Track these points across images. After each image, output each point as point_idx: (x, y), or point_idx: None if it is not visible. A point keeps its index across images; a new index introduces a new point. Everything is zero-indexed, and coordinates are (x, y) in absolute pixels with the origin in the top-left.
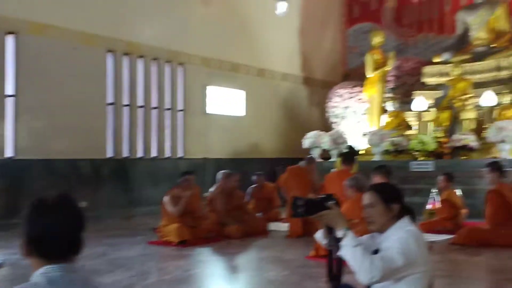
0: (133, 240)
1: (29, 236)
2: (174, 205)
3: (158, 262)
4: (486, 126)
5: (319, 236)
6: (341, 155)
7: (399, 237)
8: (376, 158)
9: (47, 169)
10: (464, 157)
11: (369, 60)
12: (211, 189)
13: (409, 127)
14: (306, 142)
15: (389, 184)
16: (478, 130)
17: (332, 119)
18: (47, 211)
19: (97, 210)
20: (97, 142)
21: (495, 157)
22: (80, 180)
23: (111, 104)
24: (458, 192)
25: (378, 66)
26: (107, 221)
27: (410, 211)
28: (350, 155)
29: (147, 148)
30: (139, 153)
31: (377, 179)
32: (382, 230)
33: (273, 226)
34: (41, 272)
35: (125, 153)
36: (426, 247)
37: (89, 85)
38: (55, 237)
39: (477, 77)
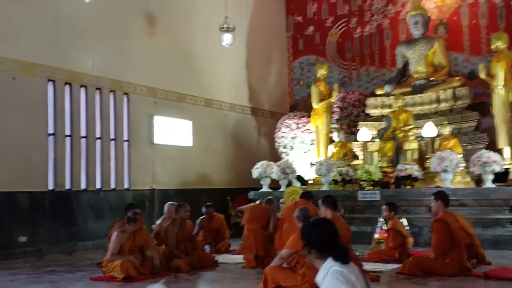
0: (74, 276)
1: None
2: (117, 245)
3: None
4: (428, 156)
5: None
6: (302, 194)
7: (330, 284)
8: (324, 187)
9: None
10: (409, 187)
11: (315, 91)
12: (158, 221)
13: (355, 157)
14: (255, 172)
15: (310, 224)
16: (421, 160)
17: (281, 149)
18: None
19: (37, 244)
20: (38, 173)
21: (438, 186)
22: (19, 214)
23: (52, 134)
24: (403, 221)
25: (323, 97)
26: (48, 257)
27: (339, 253)
28: (309, 193)
29: (90, 180)
30: (82, 185)
31: (323, 209)
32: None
33: (222, 258)
34: None
35: (67, 185)
36: (360, 281)
37: (29, 115)
38: None
39: (418, 109)
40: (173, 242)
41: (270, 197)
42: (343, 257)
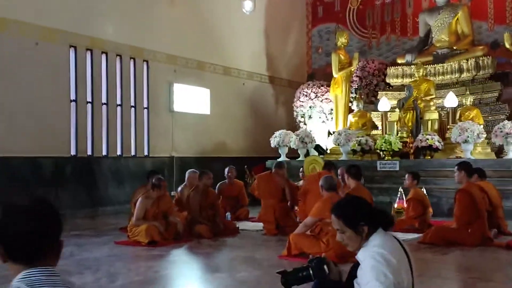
0: (100, 240)
1: (2, 241)
2: (142, 210)
3: (127, 263)
4: (449, 126)
5: None
6: (325, 165)
7: (371, 266)
8: (343, 157)
9: (6, 167)
10: (428, 157)
11: (335, 60)
12: (179, 188)
13: (374, 127)
14: (273, 141)
15: (352, 203)
16: (441, 130)
17: (299, 119)
18: (20, 216)
19: (60, 209)
20: (60, 139)
21: (458, 157)
22: (42, 179)
23: (74, 101)
24: (423, 190)
25: (343, 66)
26: (70, 221)
27: (381, 220)
28: (331, 163)
29: (111, 146)
30: (103, 151)
31: (346, 178)
32: (359, 249)
33: (242, 225)
34: (20, 278)
35: (88, 151)
36: (403, 263)
37: (51, 81)
38: (30, 242)
39: (439, 79)
40: (196, 208)
41: (280, 160)
42: (391, 221)
